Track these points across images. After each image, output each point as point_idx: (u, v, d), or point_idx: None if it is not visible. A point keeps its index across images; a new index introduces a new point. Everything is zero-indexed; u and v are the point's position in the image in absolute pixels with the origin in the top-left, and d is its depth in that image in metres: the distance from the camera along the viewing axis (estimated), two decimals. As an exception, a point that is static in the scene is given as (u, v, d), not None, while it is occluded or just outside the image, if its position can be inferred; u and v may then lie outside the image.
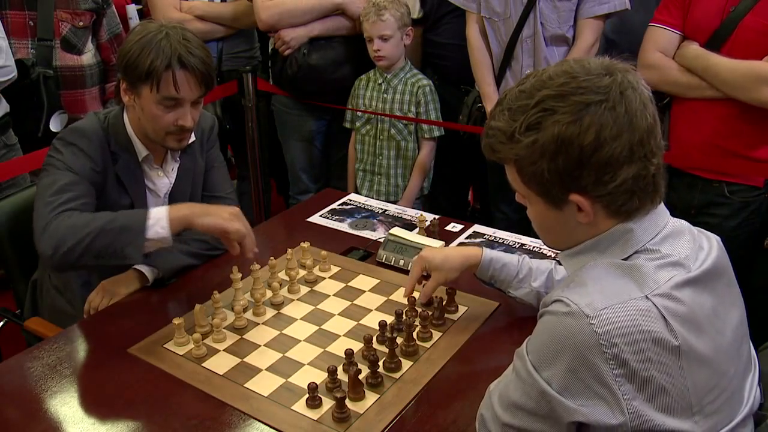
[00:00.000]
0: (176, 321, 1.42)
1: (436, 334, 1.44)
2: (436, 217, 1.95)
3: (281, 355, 1.40)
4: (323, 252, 1.72)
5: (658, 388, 0.89)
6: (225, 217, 1.50)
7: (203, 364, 1.37)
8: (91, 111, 1.74)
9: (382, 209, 2.08)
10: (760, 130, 1.95)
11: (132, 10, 3.30)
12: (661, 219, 1.01)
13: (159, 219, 1.47)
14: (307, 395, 1.24)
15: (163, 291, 1.65)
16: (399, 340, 1.38)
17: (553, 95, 0.94)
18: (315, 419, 1.21)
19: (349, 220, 2.01)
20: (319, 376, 1.31)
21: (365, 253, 1.82)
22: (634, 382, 0.89)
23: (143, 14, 3.40)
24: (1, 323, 1.91)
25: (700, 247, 1.02)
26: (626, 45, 2.34)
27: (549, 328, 0.94)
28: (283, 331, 1.48)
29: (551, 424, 0.94)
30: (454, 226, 1.94)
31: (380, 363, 1.31)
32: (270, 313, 1.54)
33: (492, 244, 1.83)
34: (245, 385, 1.31)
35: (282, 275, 1.66)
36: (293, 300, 1.59)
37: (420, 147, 2.62)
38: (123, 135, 1.66)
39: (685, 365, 0.90)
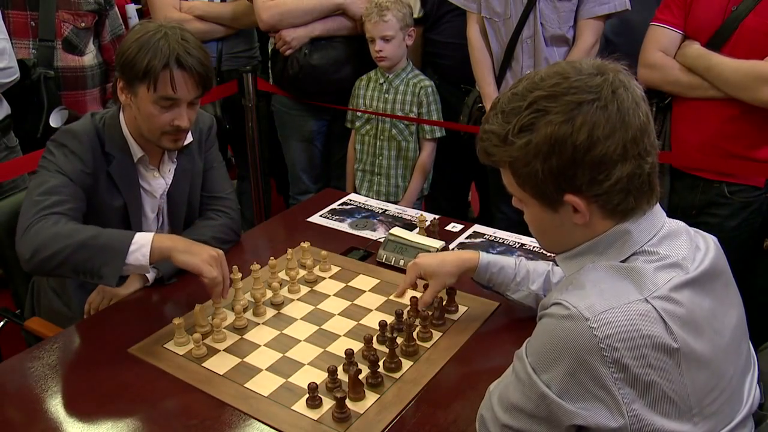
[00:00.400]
0: (176, 321, 1.42)
1: (436, 334, 1.44)
2: (436, 217, 1.95)
3: (281, 355, 1.40)
4: (323, 252, 1.72)
5: (658, 390, 0.89)
6: (204, 259, 1.46)
7: (203, 364, 1.37)
8: (89, 111, 1.74)
9: (382, 209, 2.08)
10: (761, 130, 1.94)
11: (131, 9, 3.30)
12: (658, 220, 1.01)
13: (142, 246, 1.45)
14: (307, 395, 1.24)
15: (163, 291, 1.65)
16: (399, 340, 1.37)
17: (546, 96, 0.94)
18: (315, 419, 1.21)
19: (349, 220, 2.01)
20: (320, 376, 1.31)
21: (365, 253, 1.82)
22: (634, 385, 0.88)
23: (143, 14, 3.40)
24: (1, 323, 1.91)
25: (697, 248, 1.01)
26: (626, 45, 2.34)
27: (548, 331, 0.94)
28: (284, 331, 1.48)
29: (551, 426, 0.93)
30: (454, 226, 1.94)
31: (380, 363, 1.31)
32: (270, 313, 1.54)
33: (492, 244, 1.83)
34: (245, 385, 1.31)
35: (282, 275, 1.66)
36: (293, 300, 1.59)
37: (421, 148, 2.62)
38: (118, 135, 1.66)
39: (685, 367, 0.90)
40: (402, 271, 1.67)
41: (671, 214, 1.07)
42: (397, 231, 1.78)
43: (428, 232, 1.86)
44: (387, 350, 1.33)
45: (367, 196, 2.27)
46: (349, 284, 1.65)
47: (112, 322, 1.54)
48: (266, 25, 2.67)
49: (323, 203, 2.12)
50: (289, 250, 1.68)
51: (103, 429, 1.22)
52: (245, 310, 1.52)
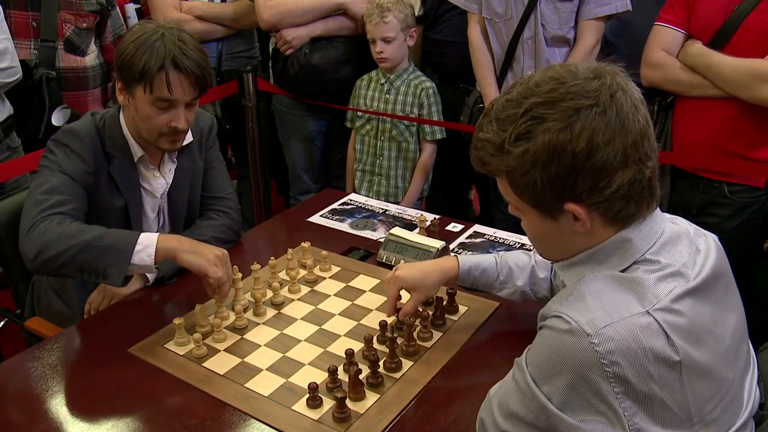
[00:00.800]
0: (177, 321, 1.42)
1: (437, 334, 1.44)
2: (437, 217, 1.95)
3: (282, 355, 1.40)
4: (324, 252, 1.72)
5: (659, 402, 0.88)
6: (209, 259, 1.46)
7: (203, 364, 1.37)
8: (89, 111, 1.74)
9: (382, 209, 2.08)
10: (761, 129, 1.94)
11: (131, 9, 3.30)
12: (658, 225, 0.99)
13: (147, 246, 1.45)
14: (307, 395, 1.24)
15: (163, 291, 1.65)
16: (399, 340, 1.37)
17: (542, 102, 0.92)
18: (315, 419, 1.21)
19: (349, 220, 2.01)
20: (320, 376, 1.31)
21: (366, 253, 1.82)
22: (635, 399, 0.88)
23: (142, 14, 3.41)
24: (2, 323, 1.91)
25: (697, 250, 1.00)
26: (625, 46, 2.34)
27: (549, 344, 0.93)
28: (284, 331, 1.48)
29: None
30: (454, 226, 1.94)
31: (381, 363, 1.31)
32: (270, 312, 1.54)
33: (493, 244, 1.83)
34: (245, 385, 1.31)
35: (282, 275, 1.66)
36: (294, 300, 1.59)
37: (421, 149, 2.62)
38: (119, 135, 1.66)
39: (686, 379, 0.90)
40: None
41: (671, 213, 1.07)
42: (397, 231, 1.78)
43: (428, 232, 1.86)
44: (387, 350, 1.33)
45: (367, 197, 2.27)
46: (350, 284, 1.65)
47: (113, 322, 1.54)
48: (267, 24, 2.67)
49: (323, 203, 2.12)
50: (290, 250, 1.68)
51: (103, 429, 1.22)
52: (245, 310, 1.52)
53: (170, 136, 1.62)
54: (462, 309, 1.52)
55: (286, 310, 1.55)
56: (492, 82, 2.40)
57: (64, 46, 2.57)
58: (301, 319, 1.52)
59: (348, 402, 1.22)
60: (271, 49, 2.85)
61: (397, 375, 1.32)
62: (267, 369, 1.35)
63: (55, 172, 1.57)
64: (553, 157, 0.91)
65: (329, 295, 1.61)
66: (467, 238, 1.88)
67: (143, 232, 1.50)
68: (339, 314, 1.53)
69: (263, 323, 1.50)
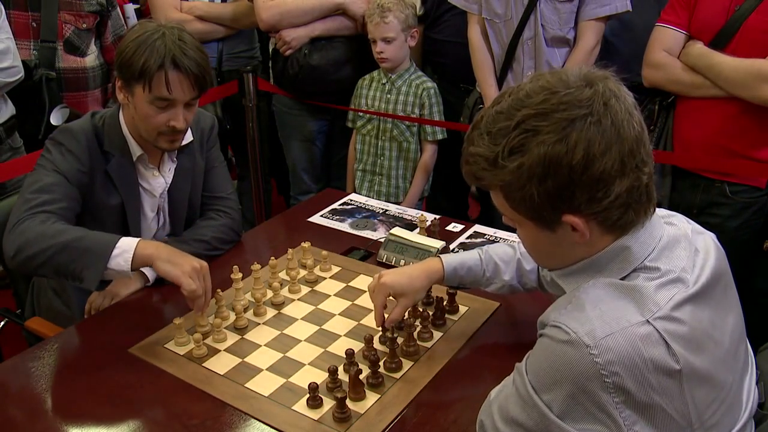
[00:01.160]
0: (177, 321, 1.42)
1: (437, 334, 1.43)
2: (437, 217, 1.95)
3: (282, 355, 1.40)
4: (324, 252, 1.72)
5: (659, 411, 0.88)
6: (185, 270, 1.41)
7: (204, 364, 1.37)
8: (90, 111, 1.74)
9: (382, 209, 2.08)
10: (762, 128, 1.94)
11: (130, 9, 3.31)
12: (657, 231, 0.98)
13: (125, 251, 1.44)
14: (307, 395, 1.24)
15: (163, 291, 1.65)
16: (399, 340, 1.37)
17: (534, 114, 0.89)
18: (315, 419, 1.21)
19: (349, 220, 2.01)
20: (320, 376, 1.30)
21: (366, 253, 1.82)
22: (635, 408, 0.87)
23: (142, 14, 3.41)
24: (2, 323, 1.91)
25: (696, 251, 0.99)
26: (626, 46, 2.34)
27: (548, 354, 0.92)
28: (284, 331, 1.47)
29: None
30: (454, 226, 1.94)
31: (381, 363, 1.31)
32: (271, 313, 1.54)
33: (492, 244, 1.83)
34: (246, 385, 1.31)
35: (283, 275, 1.66)
36: (294, 300, 1.59)
37: (423, 149, 2.62)
38: (118, 134, 1.66)
39: (686, 386, 0.89)
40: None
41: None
42: (397, 231, 1.78)
43: (429, 232, 1.85)
44: (387, 350, 1.33)
45: (368, 197, 2.27)
46: (350, 284, 1.65)
47: (113, 322, 1.54)
48: (266, 25, 2.67)
49: (324, 203, 2.12)
50: (290, 250, 1.68)
51: (103, 428, 1.22)
52: (246, 310, 1.52)
53: (169, 135, 1.62)
54: (462, 309, 1.52)
55: (287, 310, 1.55)
56: (492, 83, 2.40)
57: (64, 47, 2.57)
58: (302, 319, 1.52)
59: (348, 402, 1.22)
60: (271, 50, 2.85)
61: (398, 375, 1.32)
62: (267, 369, 1.35)
63: (49, 171, 1.57)
64: (550, 171, 0.89)
65: (329, 295, 1.61)
66: (467, 238, 1.88)
67: (141, 231, 1.49)
68: (339, 314, 1.53)
69: (263, 323, 1.50)
